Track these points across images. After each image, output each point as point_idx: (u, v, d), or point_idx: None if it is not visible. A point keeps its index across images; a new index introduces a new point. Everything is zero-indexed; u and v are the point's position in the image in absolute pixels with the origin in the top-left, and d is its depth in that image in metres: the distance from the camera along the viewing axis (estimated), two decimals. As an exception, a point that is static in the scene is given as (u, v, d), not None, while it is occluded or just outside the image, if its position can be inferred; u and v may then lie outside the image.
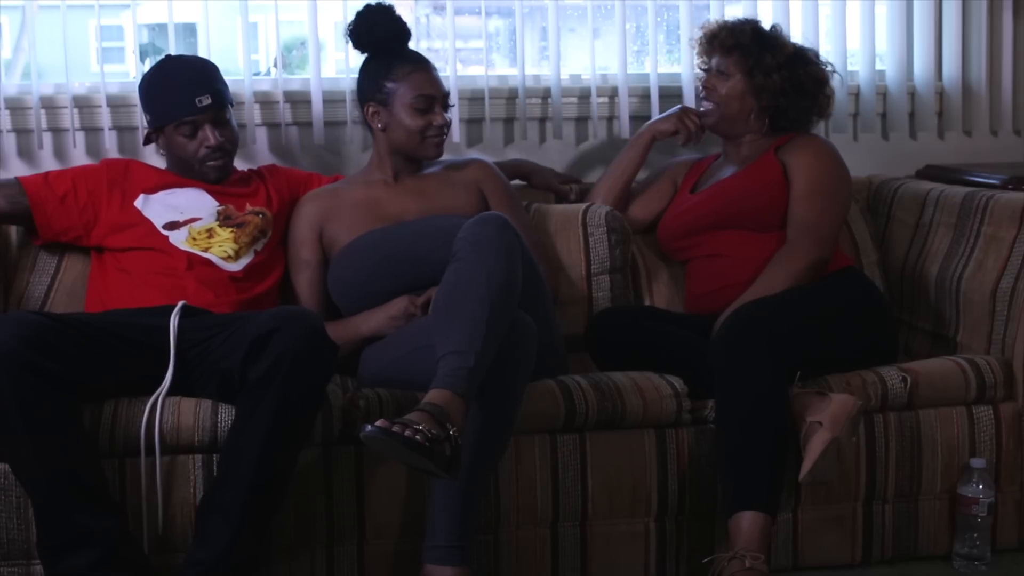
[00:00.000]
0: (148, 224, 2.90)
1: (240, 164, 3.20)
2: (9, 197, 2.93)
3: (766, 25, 3.25)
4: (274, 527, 2.58)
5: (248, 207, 2.99)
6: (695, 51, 3.27)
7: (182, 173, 2.99)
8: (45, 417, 2.40)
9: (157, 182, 2.97)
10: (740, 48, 3.15)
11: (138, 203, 2.93)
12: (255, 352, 2.46)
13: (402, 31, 3.05)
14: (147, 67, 3.10)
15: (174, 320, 2.61)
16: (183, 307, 2.66)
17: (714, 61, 3.19)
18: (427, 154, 3.05)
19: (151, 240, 2.88)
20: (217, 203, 2.97)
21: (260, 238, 2.97)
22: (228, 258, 2.90)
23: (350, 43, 3.06)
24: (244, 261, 2.92)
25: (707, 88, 3.21)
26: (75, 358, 2.48)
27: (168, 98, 2.93)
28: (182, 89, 2.91)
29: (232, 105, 3.02)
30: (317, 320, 2.56)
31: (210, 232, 2.92)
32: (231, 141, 2.98)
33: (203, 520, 2.48)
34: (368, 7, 3.04)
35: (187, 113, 2.90)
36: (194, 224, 2.92)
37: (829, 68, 3.23)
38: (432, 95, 3.01)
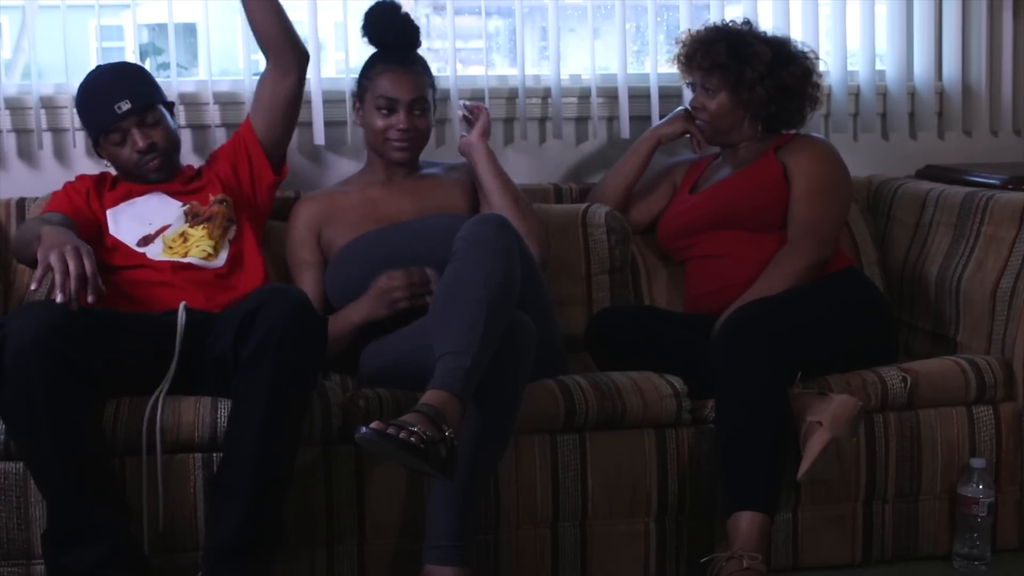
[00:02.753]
0: (123, 246, 2.87)
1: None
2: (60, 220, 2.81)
3: (739, 20, 3.22)
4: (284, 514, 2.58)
5: (211, 198, 2.95)
6: (675, 67, 3.26)
7: (133, 181, 2.95)
8: (69, 406, 2.41)
9: (118, 193, 2.94)
10: (718, 68, 3.13)
11: (110, 226, 2.89)
12: (244, 331, 2.47)
13: (411, 34, 3.07)
14: (147, 66, 3.10)
15: (181, 316, 2.62)
16: (186, 307, 2.66)
17: (697, 77, 3.19)
18: (390, 157, 3.05)
19: (131, 259, 2.85)
20: (180, 203, 2.93)
21: (229, 226, 2.94)
22: (209, 256, 2.87)
23: (366, 39, 3.08)
24: (224, 254, 2.90)
25: (695, 107, 3.21)
26: (96, 349, 2.48)
27: (92, 111, 2.91)
28: (101, 98, 2.88)
29: (165, 104, 2.95)
30: (301, 293, 2.57)
31: (184, 236, 2.89)
32: (165, 139, 2.91)
33: (213, 505, 2.49)
34: (381, 5, 3.06)
35: (110, 121, 2.87)
36: (166, 233, 2.89)
37: (811, 55, 3.20)
38: (394, 98, 3.00)
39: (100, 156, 2.99)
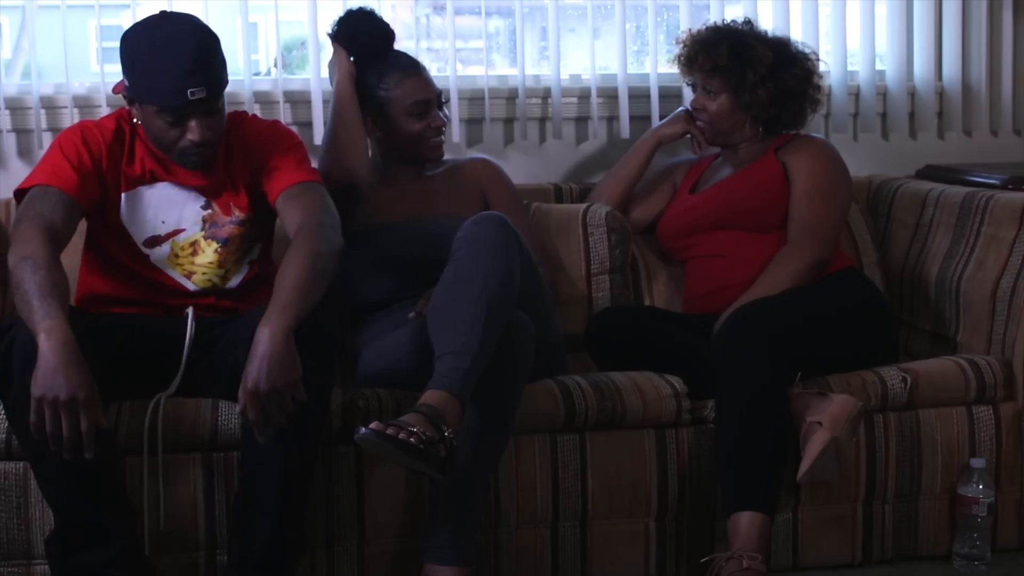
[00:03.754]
0: (129, 238, 2.68)
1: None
2: (65, 216, 2.55)
3: (740, 20, 3.23)
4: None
5: (234, 212, 2.71)
6: (676, 67, 3.26)
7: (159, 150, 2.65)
8: None
9: (141, 171, 2.67)
10: (720, 70, 3.13)
11: (122, 211, 2.67)
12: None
13: (386, 35, 3.05)
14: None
15: (190, 328, 2.58)
16: (193, 313, 2.62)
17: (698, 79, 3.19)
18: (430, 156, 3.06)
19: (133, 256, 2.70)
20: (203, 201, 2.69)
21: (251, 246, 2.76)
22: (213, 286, 2.72)
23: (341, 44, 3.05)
24: (236, 279, 2.75)
25: (696, 108, 3.21)
26: (103, 353, 2.45)
27: (155, 80, 2.53)
28: (174, 74, 2.50)
29: (227, 84, 2.64)
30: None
31: (194, 247, 2.70)
32: (218, 131, 2.63)
33: (240, 519, 2.48)
34: (350, 12, 3.05)
35: (175, 103, 2.52)
36: (177, 237, 2.69)
37: (812, 56, 3.21)
38: (427, 99, 3.01)
39: (128, 104, 2.64)
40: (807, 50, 3.21)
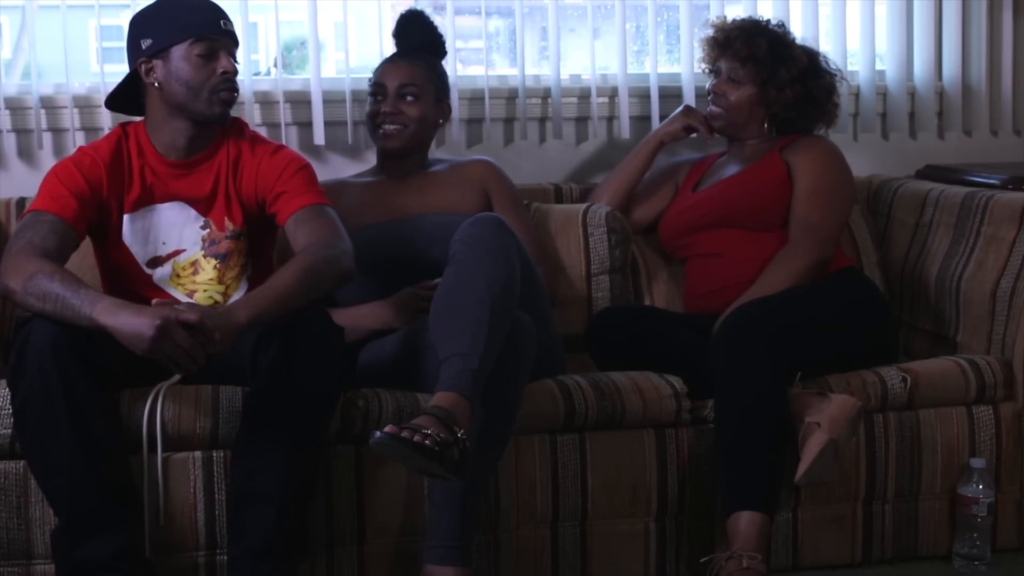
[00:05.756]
0: (132, 258, 2.70)
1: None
2: (58, 243, 2.57)
3: (775, 20, 3.24)
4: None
5: (227, 226, 2.72)
6: (702, 49, 3.24)
7: (175, 121, 2.66)
8: (87, 401, 2.40)
9: (142, 190, 2.69)
10: (755, 60, 3.13)
11: (124, 232, 2.69)
12: (264, 344, 2.46)
13: (433, 36, 3.15)
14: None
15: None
16: None
17: (725, 65, 3.17)
18: (380, 144, 3.07)
19: (137, 274, 2.71)
20: (202, 221, 2.71)
21: (248, 261, 2.77)
22: (216, 304, 2.69)
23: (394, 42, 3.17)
24: (237, 295, 2.72)
25: (717, 93, 3.19)
26: (112, 349, 2.43)
27: (187, 16, 2.64)
28: (204, 10, 2.66)
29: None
30: (317, 304, 2.55)
31: (195, 266, 2.72)
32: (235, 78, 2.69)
33: (241, 510, 2.48)
34: (411, 13, 3.16)
35: (211, 31, 2.63)
36: (178, 258, 2.72)
37: (836, 73, 3.22)
38: (381, 83, 3.05)
39: (145, 77, 2.66)
40: (834, 67, 3.22)
